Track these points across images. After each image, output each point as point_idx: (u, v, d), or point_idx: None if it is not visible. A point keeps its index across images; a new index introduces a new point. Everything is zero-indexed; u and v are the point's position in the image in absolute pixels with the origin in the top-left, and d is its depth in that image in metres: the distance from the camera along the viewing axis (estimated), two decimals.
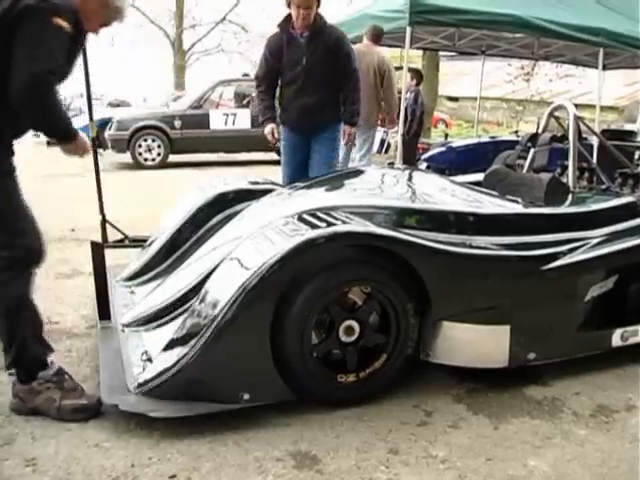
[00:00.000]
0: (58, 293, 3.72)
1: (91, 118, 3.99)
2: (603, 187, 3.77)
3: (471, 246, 2.65)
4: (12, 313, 2.30)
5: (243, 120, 10.57)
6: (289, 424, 2.31)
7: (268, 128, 4.25)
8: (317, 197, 3.13)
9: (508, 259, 2.68)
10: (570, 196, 3.37)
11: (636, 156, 5.56)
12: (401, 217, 2.75)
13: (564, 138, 3.79)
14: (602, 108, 8.75)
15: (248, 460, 2.10)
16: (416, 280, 2.44)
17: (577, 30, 6.79)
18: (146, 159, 10.28)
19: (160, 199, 5.42)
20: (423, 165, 8.03)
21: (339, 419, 2.35)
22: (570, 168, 3.54)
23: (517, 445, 2.24)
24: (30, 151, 7.89)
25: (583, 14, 7.01)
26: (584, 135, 4.65)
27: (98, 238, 3.73)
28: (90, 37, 2.55)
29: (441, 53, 12.42)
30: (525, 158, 4.08)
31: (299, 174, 4.35)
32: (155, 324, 2.77)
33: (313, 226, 2.46)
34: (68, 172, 8.11)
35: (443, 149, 8.65)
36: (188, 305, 2.63)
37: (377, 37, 6.15)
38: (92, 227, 4.33)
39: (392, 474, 2.05)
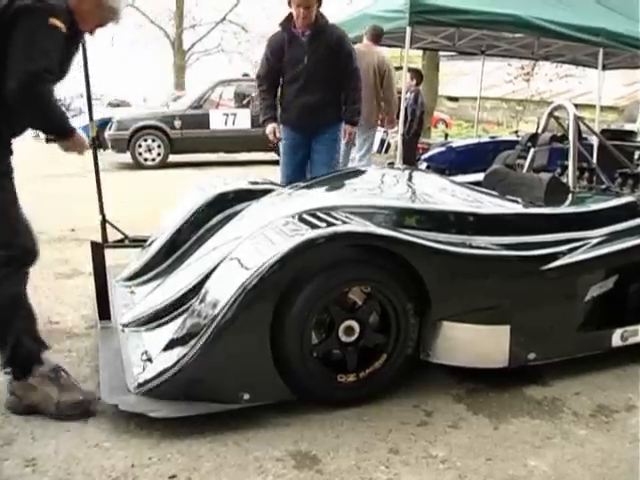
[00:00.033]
0: (58, 293, 3.72)
1: (91, 118, 3.99)
2: (603, 187, 3.77)
3: (471, 246, 2.65)
4: (7, 311, 2.32)
5: (243, 120, 10.57)
6: (289, 424, 2.31)
7: (270, 128, 4.25)
8: (317, 197, 3.13)
9: (508, 259, 2.68)
10: (570, 196, 3.37)
11: (636, 156, 5.56)
12: (401, 217, 2.75)
13: (564, 138, 3.79)
14: (602, 108, 8.75)
15: (248, 460, 2.10)
16: (416, 280, 2.44)
17: (577, 30, 6.79)
18: (146, 159, 10.28)
19: (160, 199, 5.42)
20: (423, 165, 8.03)
21: (339, 419, 2.35)
22: (570, 168, 3.54)
23: (517, 445, 2.24)
24: (30, 151, 7.89)
25: (583, 14, 7.02)
26: (584, 135, 4.65)
27: (98, 238, 3.73)
28: (90, 37, 2.58)
29: (441, 53, 12.43)
30: (525, 158, 4.08)
31: (298, 174, 4.35)
32: (155, 324, 2.77)
33: (313, 226, 2.46)
34: (68, 172, 8.12)
35: (443, 149, 8.65)
36: (188, 305, 2.63)
37: (377, 37, 6.16)
38: (92, 227, 4.32)
39: (392, 474, 2.05)
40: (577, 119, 3.61)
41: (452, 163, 7.82)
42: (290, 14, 4.08)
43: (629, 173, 3.93)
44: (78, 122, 9.74)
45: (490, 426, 2.37)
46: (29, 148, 7.97)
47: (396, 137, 7.43)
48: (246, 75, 12.68)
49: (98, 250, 3.02)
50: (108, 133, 10.21)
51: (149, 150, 10.27)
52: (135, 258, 3.56)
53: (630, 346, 2.87)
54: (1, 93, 2.15)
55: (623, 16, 7.30)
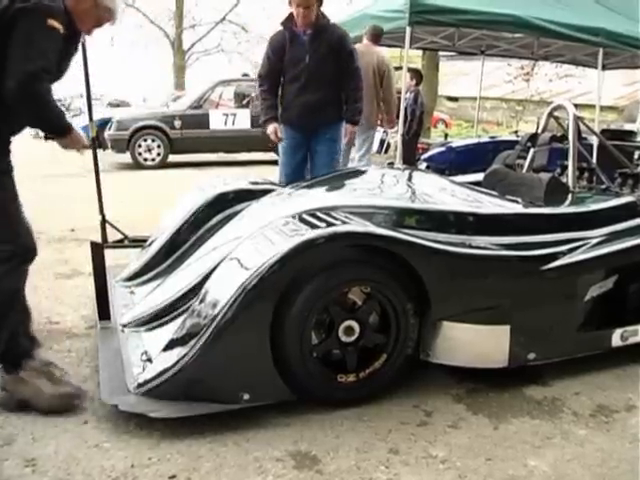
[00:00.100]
0: (58, 293, 3.72)
1: (91, 118, 3.99)
2: (603, 187, 3.77)
3: (471, 246, 2.65)
4: (4, 306, 2.35)
5: (243, 120, 10.57)
6: (289, 424, 2.31)
7: (271, 127, 4.24)
8: (317, 197, 3.13)
9: (508, 259, 2.68)
10: (570, 196, 3.36)
11: (636, 156, 5.56)
12: (401, 217, 2.75)
13: (564, 138, 3.79)
14: (602, 108, 8.75)
15: (248, 460, 2.10)
16: (416, 280, 2.44)
17: (576, 30, 6.79)
18: (146, 159, 10.28)
19: (160, 199, 5.42)
20: (423, 165, 8.03)
21: (339, 419, 2.35)
22: (570, 168, 3.54)
23: (517, 445, 2.24)
24: (30, 151, 7.89)
25: (582, 14, 7.02)
26: (584, 135, 4.65)
27: (98, 238, 3.73)
28: (90, 37, 2.61)
29: (441, 53, 12.42)
30: (525, 158, 4.08)
31: (298, 174, 4.34)
32: (155, 324, 2.77)
33: (313, 226, 2.46)
34: (68, 172, 8.12)
35: (443, 149, 8.65)
36: (188, 305, 2.63)
37: (376, 37, 6.16)
38: (92, 227, 4.32)
39: (392, 474, 2.05)
40: (577, 119, 3.61)
41: (452, 163, 7.82)
42: (291, 13, 4.08)
43: (629, 173, 3.93)
44: (78, 122, 9.75)
45: (490, 426, 2.37)
46: (29, 148, 7.97)
47: (396, 137, 7.43)
48: (246, 75, 12.68)
49: (98, 250, 3.02)
50: (108, 133, 10.21)
51: (149, 150, 10.27)
52: (135, 258, 3.56)
53: (630, 346, 2.87)
54: (0, 93, 2.18)
55: (622, 16, 7.29)
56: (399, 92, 6.63)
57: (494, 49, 9.48)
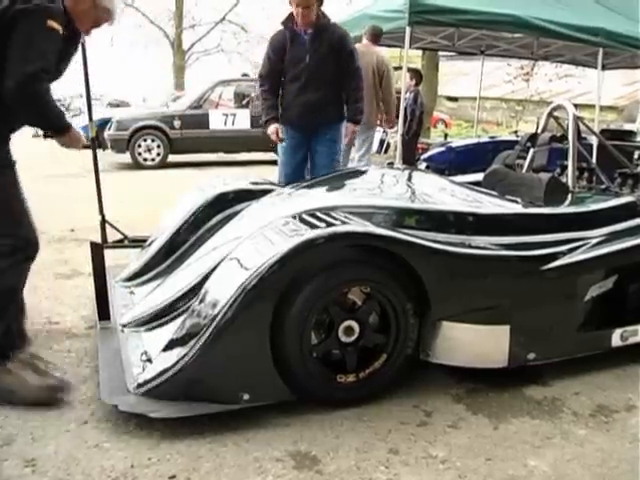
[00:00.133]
0: (58, 293, 3.72)
1: (91, 118, 3.98)
2: (602, 187, 3.77)
3: (470, 246, 2.65)
4: (4, 299, 2.38)
5: (243, 120, 10.57)
6: (289, 424, 2.31)
7: (272, 128, 4.24)
8: (317, 197, 3.13)
9: (507, 259, 2.68)
10: (569, 196, 3.36)
11: (635, 156, 5.57)
12: (400, 217, 2.75)
13: (563, 138, 3.79)
14: (601, 108, 8.76)
15: (248, 460, 2.10)
16: (415, 280, 2.44)
17: (576, 30, 6.80)
18: (146, 159, 10.28)
19: (160, 199, 5.42)
20: (422, 165, 8.03)
21: (339, 419, 2.35)
22: (569, 168, 3.54)
23: (517, 445, 2.24)
24: (30, 150, 7.88)
25: (582, 14, 7.02)
26: (583, 135, 4.65)
27: (98, 238, 3.72)
28: (90, 38, 2.65)
29: (440, 53, 12.42)
30: (524, 158, 4.08)
31: (298, 174, 4.34)
32: (155, 324, 2.76)
33: (312, 226, 2.46)
34: (68, 172, 8.13)
35: (443, 149, 8.65)
36: (188, 305, 2.63)
37: (376, 37, 6.16)
38: (91, 227, 4.32)
39: (392, 474, 2.05)
40: (576, 119, 3.61)
41: (451, 163, 7.82)
42: (292, 13, 4.08)
43: (628, 173, 3.93)
44: (78, 122, 9.75)
45: (490, 426, 2.37)
46: (29, 148, 7.96)
47: (395, 137, 7.44)
48: (245, 75, 12.69)
49: (98, 250, 3.02)
50: (108, 133, 10.20)
51: (149, 150, 10.27)
52: (135, 258, 3.55)
53: (630, 346, 2.87)
54: (0, 93, 2.21)
55: (622, 16, 7.30)
56: (398, 92, 6.63)
57: (494, 49, 9.48)
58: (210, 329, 2.23)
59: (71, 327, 3.20)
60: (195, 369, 2.23)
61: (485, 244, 2.69)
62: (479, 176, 3.90)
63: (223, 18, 27.11)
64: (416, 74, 8.68)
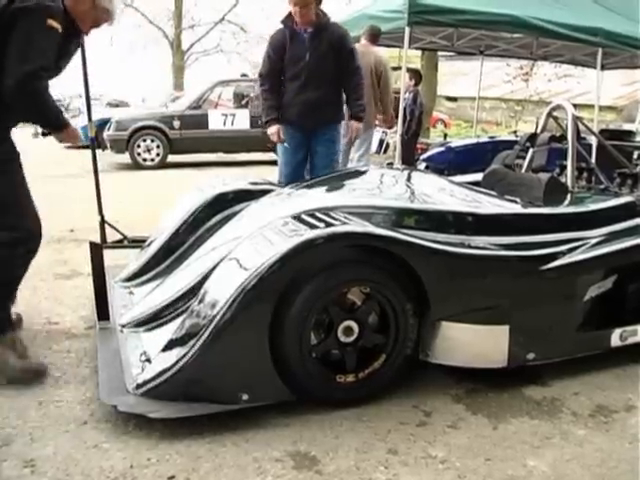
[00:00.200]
0: (57, 294, 3.72)
1: (90, 118, 3.98)
2: (602, 187, 3.78)
3: (470, 246, 2.65)
4: (6, 290, 2.47)
5: (242, 120, 10.57)
6: (288, 425, 2.31)
7: (273, 128, 4.24)
8: (316, 197, 3.13)
9: (507, 259, 2.68)
10: (569, 196, 3.36)
11: (635, 156, 5.57)
12: (400, 217, 2.75)
13: (563, 138, 3.79)
14: (601, 108, 8.76)
15: (247, 461, 2.10)
16: (415, 280, 2.44)
17: (575, 30, 6.80)
18: (145, 159, 10.27)
19: (159, 199, 5.43)
20: (422, 165, 8.03)
21: (338, 419, 2.35)
22: (569, 168, 3.54)
23: (516, 445, 2.24)
24: (30, 150, 7.90)
25: (581, 14, 7.02)
26: (583, 135, 4.65)
27: (97, 239, 3.73)
28: (89, 38, 2.68)
29: (440, 53, 12.43)
30: (524, 158, 4.09)
31: (297, 174, 4.34)
32: (154, 324, 2.76)
33: (312, 226, 2.46)
34: (67, 172, 8.13)
35: (442, 149, 8.65)
36: (187, 305, 2.63)
37: (374, 37, 6.15)
38: (91, 227, 4.32)
39: (391, 474, 2.05)
40: (576, 119, 3.61)
41: (451, 163, 7.82)
42: (292, 11, 4.08)
43: (628, 173, 3.93)
44: (77, 122, 9.75)
45: (489, 426, 2.37)
46: (29, 147, 7.97)
47: (395, 137, 7.44)
48: (245, 75, 12.69)
49: (97, 251, 3.02)
50: (107, 133, 10.19)
51: (148, 150, 10.26)
52: (134, 259, 3.55)
53: (629, 346, 2.87)
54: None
55: (621, 16, 7.30)
56: (397, 92, 6.62)
57: (493, 49, 9.48)
58: (209, 329, 2.22)
59: (70, 327, 3.20)
60: (194, 369, 2.23)
61: (484, 244, 2.70)
62: (478, 176, 3.90)
63: (222, 18, 27.13)
64: (415, 74, 8.67)
